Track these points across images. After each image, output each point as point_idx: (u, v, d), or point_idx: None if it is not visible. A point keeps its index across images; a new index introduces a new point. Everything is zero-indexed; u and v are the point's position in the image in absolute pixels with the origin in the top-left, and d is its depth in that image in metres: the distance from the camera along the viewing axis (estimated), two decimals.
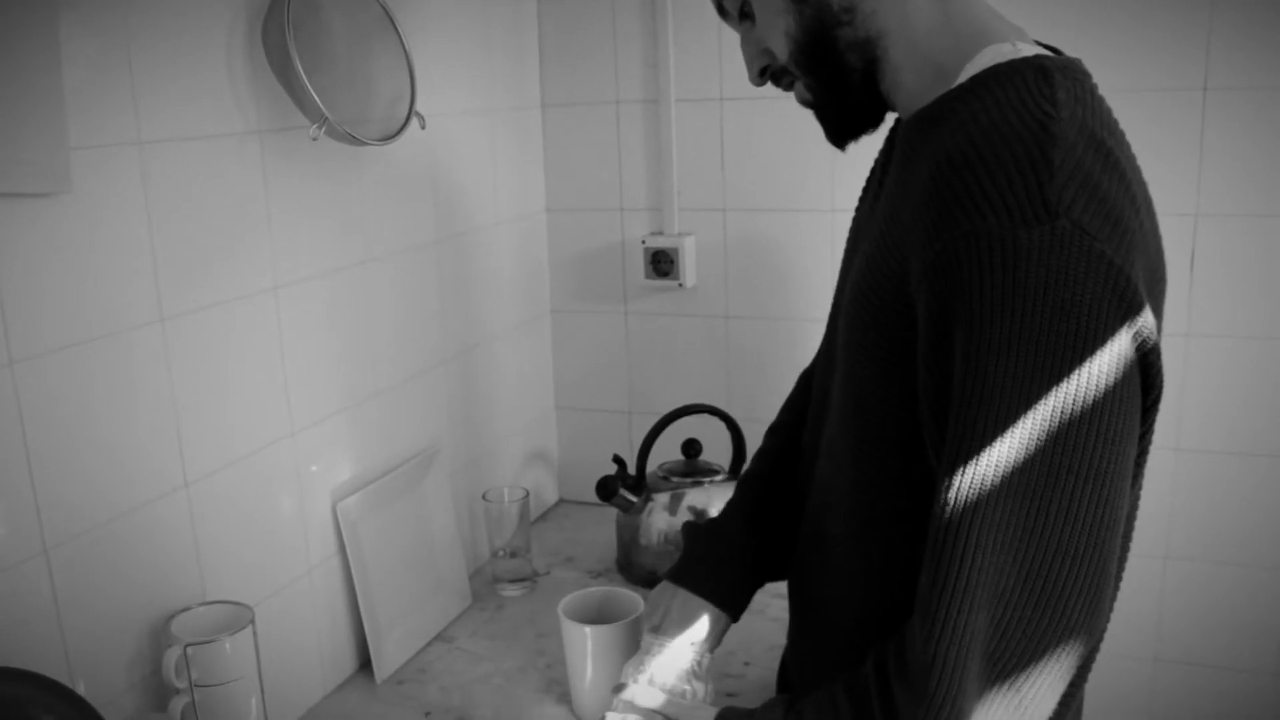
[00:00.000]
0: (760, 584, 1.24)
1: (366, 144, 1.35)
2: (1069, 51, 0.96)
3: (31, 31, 0.99)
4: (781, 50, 0.97)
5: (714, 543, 1.23)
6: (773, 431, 1.31)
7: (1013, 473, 0.79)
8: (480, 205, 1.84)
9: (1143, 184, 0.90)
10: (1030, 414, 0.78)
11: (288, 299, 1.38)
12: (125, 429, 1.16)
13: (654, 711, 1.08)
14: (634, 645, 1.35)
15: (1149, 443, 0.91)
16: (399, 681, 1.52)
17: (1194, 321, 1.71)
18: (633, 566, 1.79)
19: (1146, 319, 0.80)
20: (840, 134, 1.02)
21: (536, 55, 1.98)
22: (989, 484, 0.79)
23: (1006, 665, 0.81)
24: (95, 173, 1.10)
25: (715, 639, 1.19)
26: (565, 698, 1.44)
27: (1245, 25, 1.59)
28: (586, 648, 1.36)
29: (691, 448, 1.81)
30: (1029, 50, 0.90)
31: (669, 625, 1.17)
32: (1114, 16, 1.64)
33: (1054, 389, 0.78)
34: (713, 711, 1.03)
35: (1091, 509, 0.79)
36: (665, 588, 1.22)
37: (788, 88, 1.03)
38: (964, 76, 0.90)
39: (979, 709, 0.82)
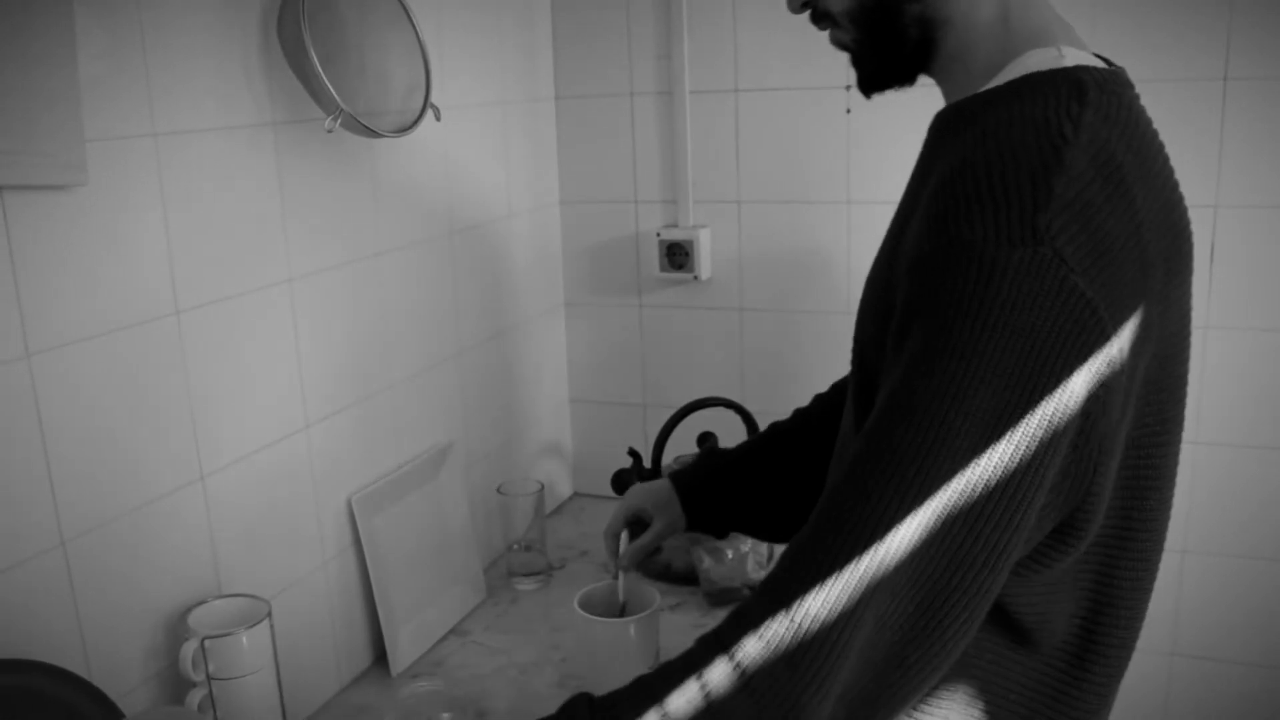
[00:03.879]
0: (733, 506, 1.35)
1: (382, 135, 1.35)
2: (1086, 41, 0.95)
3: (48, 25, 0.99)
4: (837, 4, 0.96)
5: (708, 454, 1.39)
6: (815, 397, 1.37)
7: (929, 475, 0.79)
8: (494, 197, 1.83)
9: (1164, 201, 0.90)
10: (961, 422, 0.78)
11: (302, 292, 1.38)
12: (141, 422, 1.16)
13: None
14: (651, 639, 1.35)
15: (1175, 445, 0.93)
16: (414, 675, 1.52)
17: (1213, 314, 1.70)
18: (648, 560, 1.78)
19: (1110, 355, 0.80)
20: (871, 85, 1.02)
21: (550, 47, 1.97)
22: (903, 476, 0.80)
23: (880, 650, 0.82)
24: (110, 165, 1.09)
25: (663, 524, 1.35)
26: (581, 691, 1.44)
27: (1266, 15, 1.58)
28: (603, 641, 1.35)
29: (706, 441, 1.80)
30: (1074, 58, 0.89)
31: (635, 489, 1.37)
32: (1132, 6, 1.63)
33: (991, 403, 0.78)
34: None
35: (996, 530, 0.79)
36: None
37: (824, 28, 1.02)
38: (1004, 77, 0.90)
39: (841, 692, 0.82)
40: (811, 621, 0.80)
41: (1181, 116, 1.63)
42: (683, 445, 1.83)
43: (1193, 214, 0.98)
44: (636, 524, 1.38)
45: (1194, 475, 1.75)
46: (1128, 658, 0.97)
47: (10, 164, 0.97)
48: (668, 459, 1.80)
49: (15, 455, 1.03)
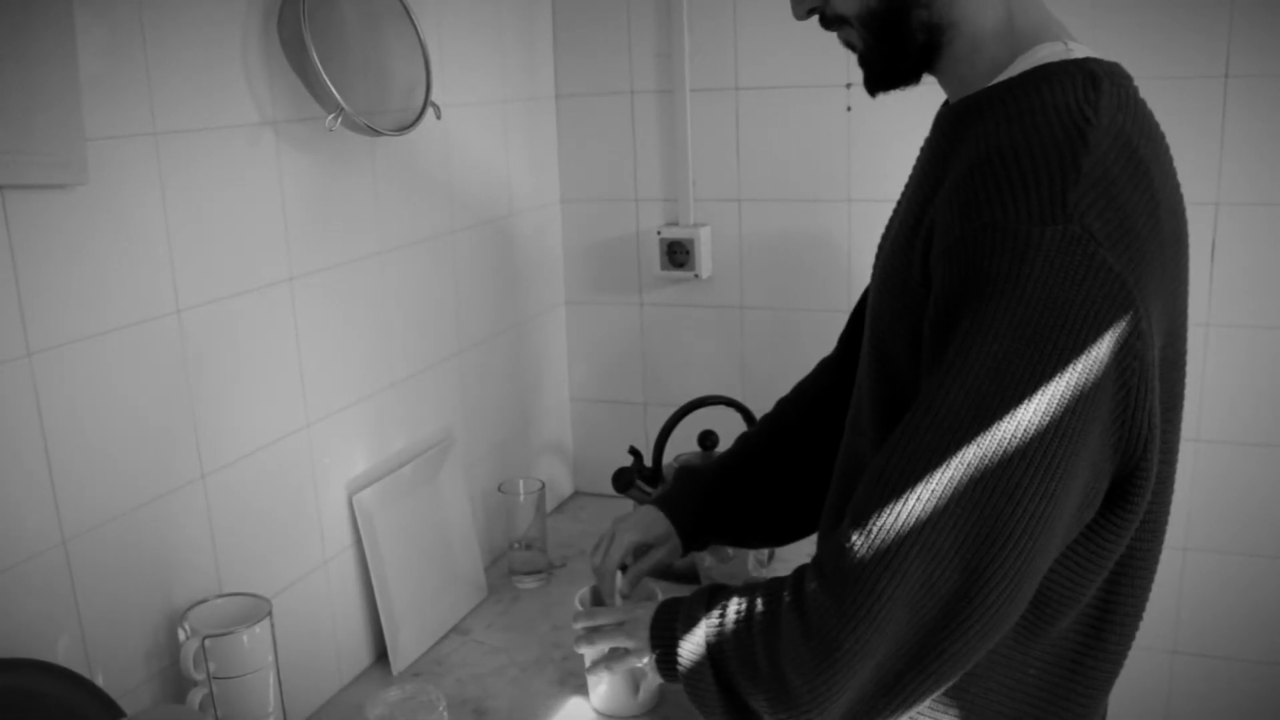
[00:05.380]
0: (720, 526, 1.35)
1: (383, 134, 1.35)
2: (1086, 39, 0.98)
3: (48, 24, 0.99)
4: (850, 8, 0.98)
5: (688, 478, 1.38)
6: (779, 404, 1.39)
7: (968, 445, 0.83)
8: (495, 196, 1.83)
9: (1173, 184, 0.94)
10: (998, 394, 0.82)
11: (303, 290, 1.38)
12: (142, 421, 1.16)
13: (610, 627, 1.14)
14: None
15: (1175, 440, 0.95)
16: (415, 674, 1.52)
17: (1214, 311, 1.70)
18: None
19: (1138, 327, 0.83)
20: (877, 85, 1.04)
21: (550, 45, 1.97)
22: (942, 448, 0.84)
23: (925, 619, 0.85)
24: (111, 164, 1.09)
25: (664, 552, 1.33)
26: (581, 689, 1.44)
27: (1266, 13, 1.58)
28: None
29: (707, 439, 1.80)
30: (1080, 52, 0.93)
31: (628, 523, 1.33)
32: (1132, 4, 1.62)
33: (1027, 376, 0.82)
34: (652, 607, 1.09)
35: (1034, 500, 0.82)
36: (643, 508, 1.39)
37: (835, 30, 1.03)
38: (1014, 69, 0.93)
39: (887, 650, 0.86)
40: (858, 567, 0.85)
41: (1182, 114, 1.63)
42: (683, 443, 1.82)
43: (1193, 211, 1.00)
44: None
45: (1195, 473, 1.75)
46: (1138, 624, 1.00)
47: (10, 163, 0.97)
48: (668, 457, 1.80)
49: (15, 454, 1.03)
